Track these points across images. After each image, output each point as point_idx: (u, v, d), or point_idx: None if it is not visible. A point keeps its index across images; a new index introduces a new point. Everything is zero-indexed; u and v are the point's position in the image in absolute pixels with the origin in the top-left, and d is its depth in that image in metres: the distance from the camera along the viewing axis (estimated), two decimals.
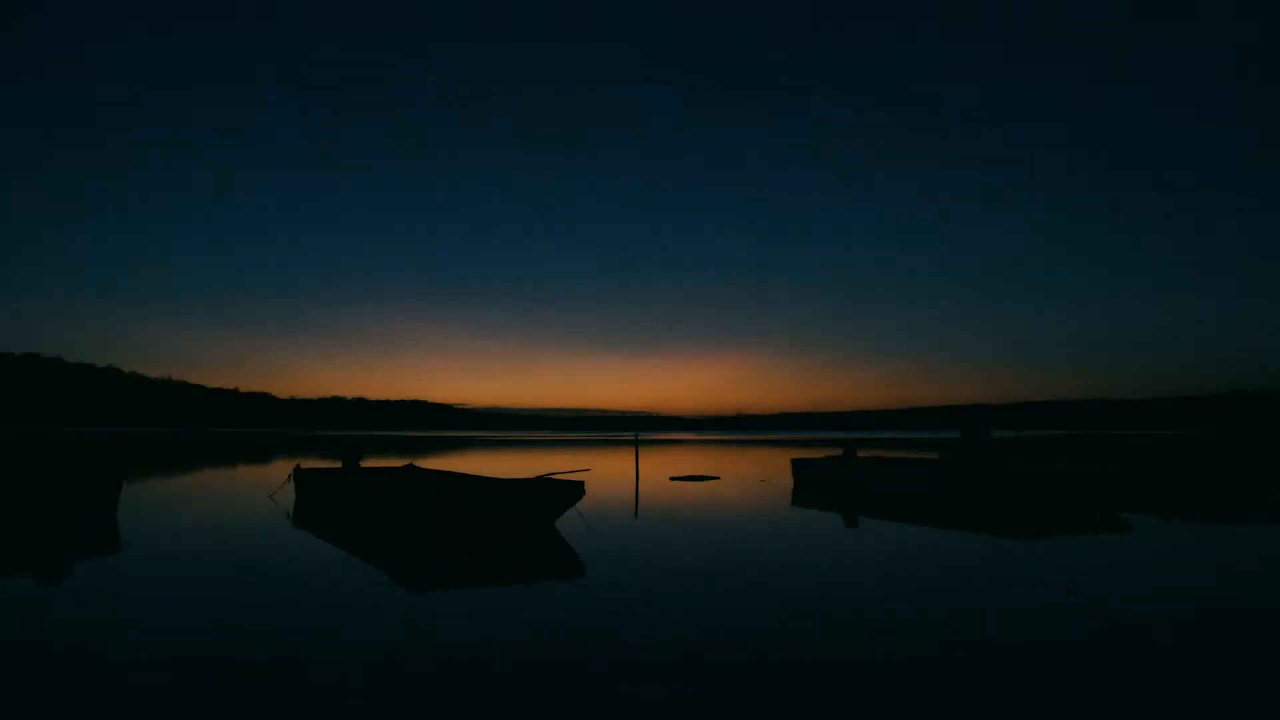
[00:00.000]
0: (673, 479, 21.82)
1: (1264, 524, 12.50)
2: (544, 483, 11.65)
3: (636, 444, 24.26)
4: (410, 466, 14.33)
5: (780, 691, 4.25)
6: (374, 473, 14.57)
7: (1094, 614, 6.14)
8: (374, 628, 5.64)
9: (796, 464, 21.80)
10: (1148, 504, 15.36)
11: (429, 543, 9.88)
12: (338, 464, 18.48)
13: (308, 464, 23.58)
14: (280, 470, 25.64)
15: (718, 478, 22.56)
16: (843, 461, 20.19)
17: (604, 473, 25.46)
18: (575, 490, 11.51)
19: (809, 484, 20.38)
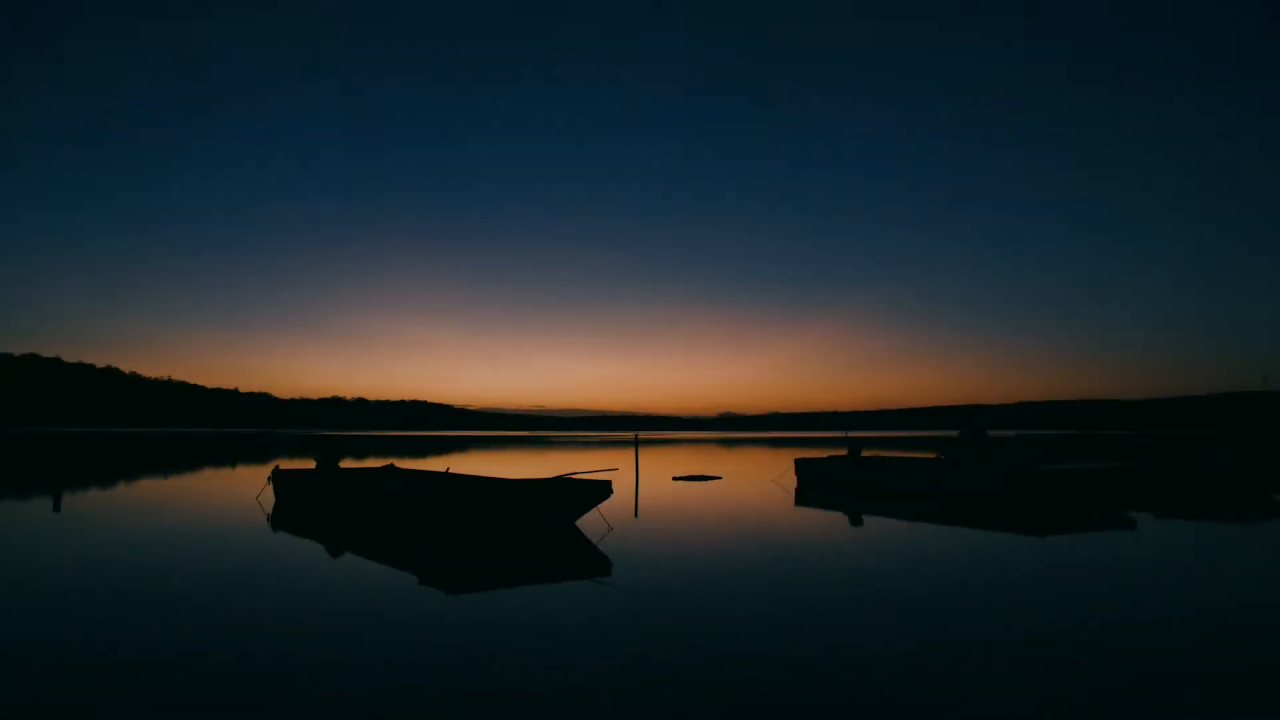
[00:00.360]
0: (676, 479, 21.78)
1: (1265, 521, 12.43)
2: (558, 483, 11.40)
3: (636, 444, 24.19)
4: (390, 467, 13.87)
5: (790, 695, 4.16)
6: (353, 474, 14.17)
7: (1106, 611, 6.03)
8: (367, 631, 5.51)
9: (800, 464, 21.72)
10: (1153, 503, 15.31)
11: (409, 543, 9.74)
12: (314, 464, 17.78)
13: (287, 465, 23.36)
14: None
15: (720, 477, 22.50)
16: (847, 461, 20.07)
17: (609, 473, 25.41)
18: (602, 489, 11.32)
19: (813, 484, 20.29)
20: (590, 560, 8.59)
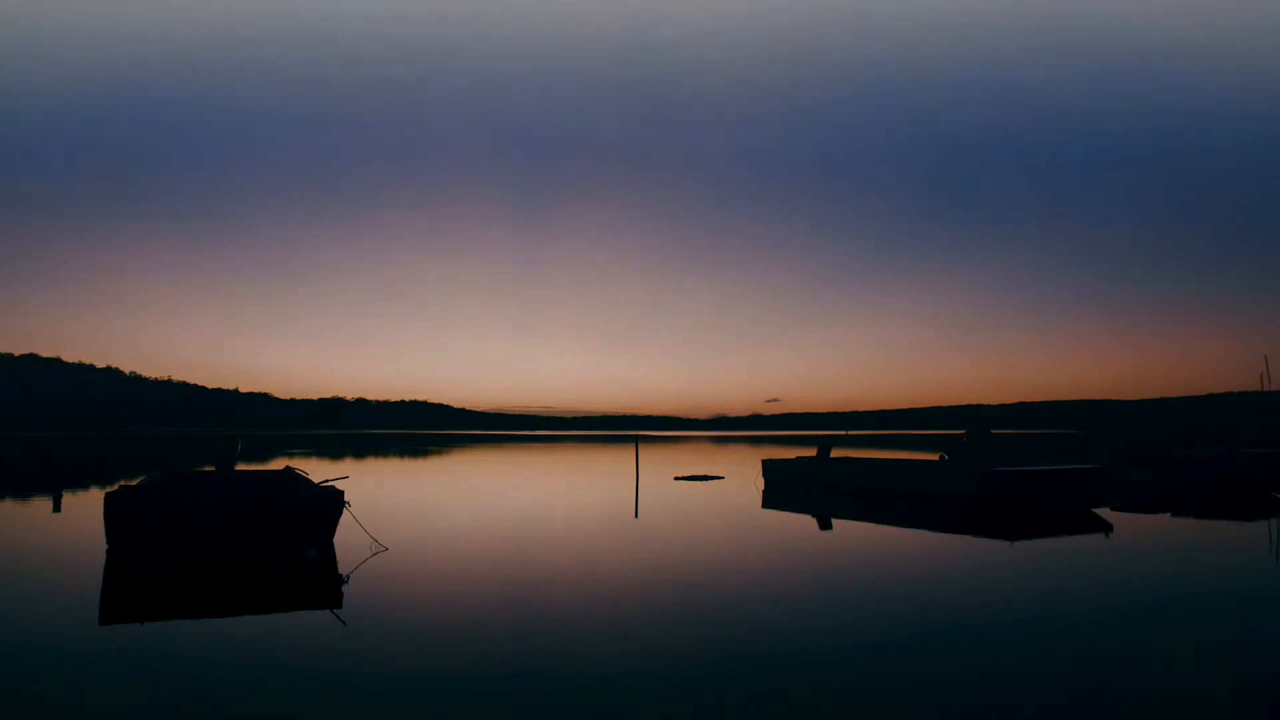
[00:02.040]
0: (677, 479, 21.77)
1: (1241, 522, 12.37)
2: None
3: (637, 444, 24.14)
4: (287, 470, 12.32)
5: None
6: (244, 475, 11.72)
7: (1070, 620, 5.90)
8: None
9: (767, 464, 20.82)
10: (1138, 503, 15.17)
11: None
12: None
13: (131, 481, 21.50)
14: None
15: (722, 477, 22.47)
16: (816, 461, 19.39)
17: (609, 472, 25.40)
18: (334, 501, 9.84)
19: (780, 484, 19.44)
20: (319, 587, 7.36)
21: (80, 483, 19.95)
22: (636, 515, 13.07)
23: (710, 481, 21.04)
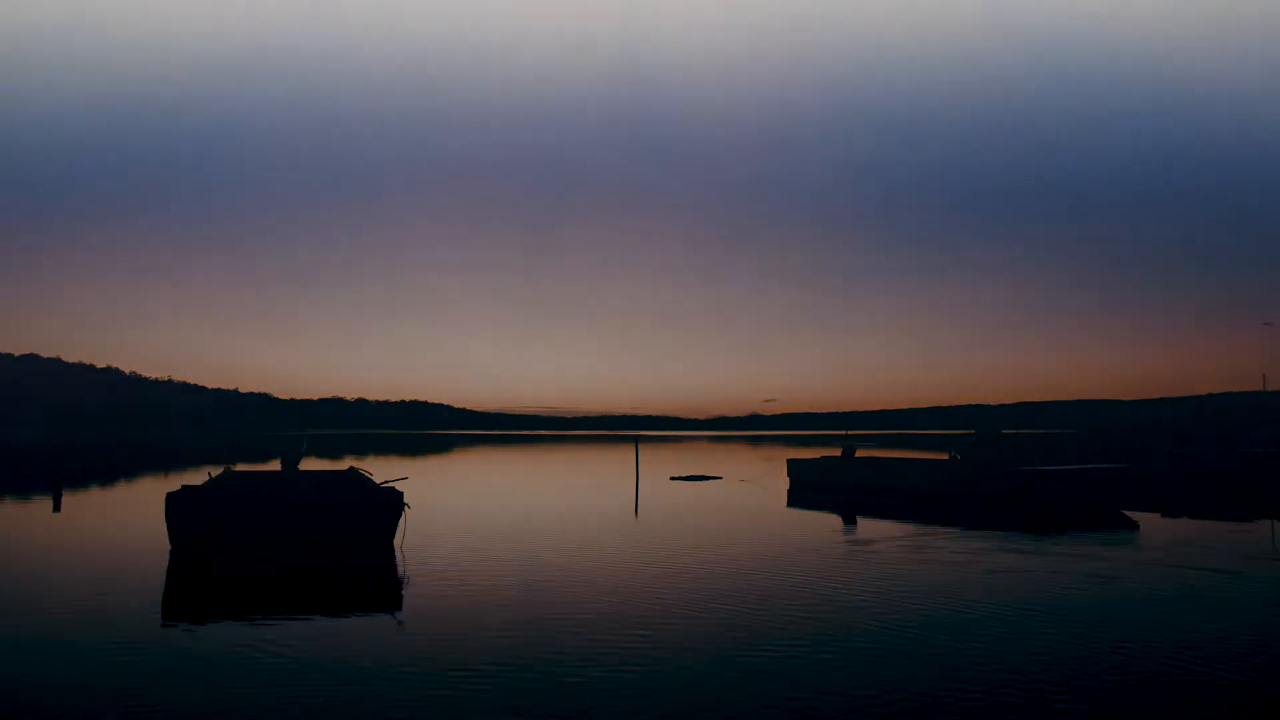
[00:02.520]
0: (673, 479, 21.75)
1: (1241, 522, 12.39)
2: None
3: (636, 444, 24.15)
4: (351, 470, 11.70)
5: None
6: (307, 476, 11.65)
7: (1104, 616, 5.94)
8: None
9: (792, 464, 21.31)
10: (1156, 503, 15.22)
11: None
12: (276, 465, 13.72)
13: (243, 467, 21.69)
14: None
15: (719, 478, 22.46)
16: (840, 461, 19.82)
17: (609, 472, 25.42)
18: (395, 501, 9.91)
19: (805, 484, 19.96)
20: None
21: (80, 483, 19.96)
22: (636, 515, 13.10)
23: (707, 481, 21.04)
